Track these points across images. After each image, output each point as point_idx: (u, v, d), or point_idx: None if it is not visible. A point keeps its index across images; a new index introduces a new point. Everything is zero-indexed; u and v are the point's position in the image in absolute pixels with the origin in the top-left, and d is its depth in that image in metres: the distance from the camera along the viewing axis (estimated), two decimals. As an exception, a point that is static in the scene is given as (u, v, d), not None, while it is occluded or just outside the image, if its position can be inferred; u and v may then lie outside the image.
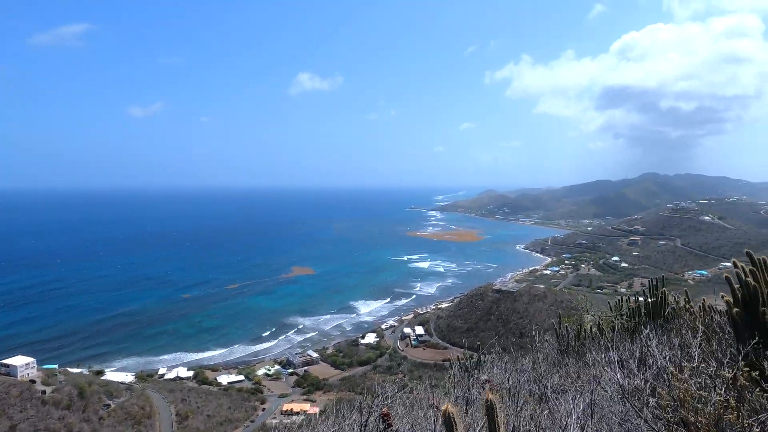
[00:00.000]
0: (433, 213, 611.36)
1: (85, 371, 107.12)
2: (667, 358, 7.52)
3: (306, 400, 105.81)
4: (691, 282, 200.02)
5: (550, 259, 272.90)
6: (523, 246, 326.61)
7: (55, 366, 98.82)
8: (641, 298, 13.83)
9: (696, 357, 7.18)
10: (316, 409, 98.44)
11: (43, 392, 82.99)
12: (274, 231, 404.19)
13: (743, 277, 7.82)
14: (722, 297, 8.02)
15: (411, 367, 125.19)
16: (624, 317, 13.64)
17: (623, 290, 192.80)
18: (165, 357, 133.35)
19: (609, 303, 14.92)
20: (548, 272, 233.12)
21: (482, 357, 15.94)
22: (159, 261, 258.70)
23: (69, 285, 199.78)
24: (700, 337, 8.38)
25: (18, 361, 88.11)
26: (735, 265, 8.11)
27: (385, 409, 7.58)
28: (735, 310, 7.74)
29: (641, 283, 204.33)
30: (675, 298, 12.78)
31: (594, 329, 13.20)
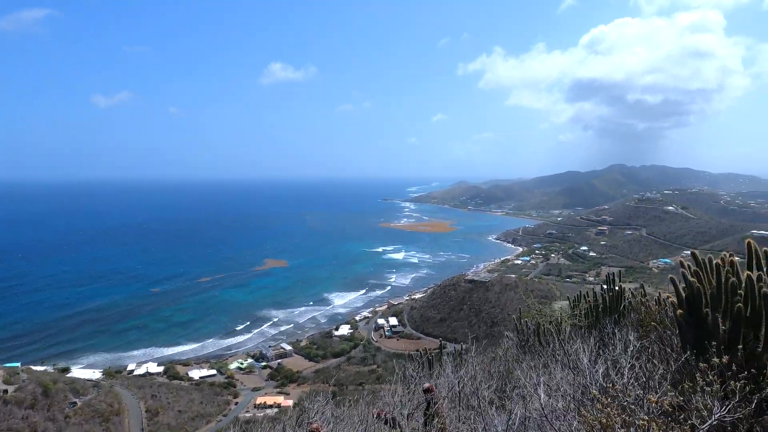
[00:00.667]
0: (407, 204, 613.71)
1: (49, 369, 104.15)
2: (600, 372, 7.52)
3: (280, 393, 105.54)
4: (655, 270, 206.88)
5: (521, 249, 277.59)
6: (495, 236, 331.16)
7: (18, 364, 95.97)
8: (599, 292, 13.82)
9: (628, 371, 7.17)
10: (290, 402, 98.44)
11: (5, 391, 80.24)
12: (246, 223, 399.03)
13: (688, 277, 7.87)
14: (667, 298, 8.16)
15: (385, 357, 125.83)
16: (579, 315, 13.80)
17: (591, 279, 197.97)
18: (134, 353, 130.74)
19: (568, 298, 14.96)
20: (519, 262, 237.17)
21: (439, 355, 15.81)
22: (126, 254, 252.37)
23: (31, 281, 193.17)
24: (646, 339, 8.57)
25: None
26: (681, 265, 8.18)
27: (315, 425, 7.45)
28: (679, 311, 7.79)
29: (608, 272, 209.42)
30: (632, 292, 13.15)
31: (550, 326, 13.08)
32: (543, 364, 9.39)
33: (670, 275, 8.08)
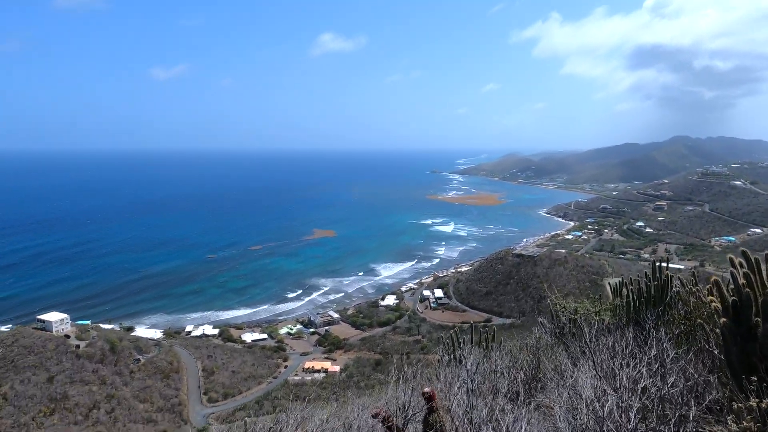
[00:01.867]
0: (455, 176, 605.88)
1: (116, 327, 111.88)
2: (630, 377, 6.61)
3: (327, 359, 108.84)
4: (717, 248, 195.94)
5: (572, 224, 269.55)
6: (545, 210, 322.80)
7: (88, 322, 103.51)
8: (643, 279, 12.39)
9: (658, 382, 6.33)
10: (337, 368, 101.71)
11: (77, 347, 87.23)
12: (296, 194, 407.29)
13: (738, 280, 6.94)
14: (710, 303, 7.15)
15: (429, 328, 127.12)
16: (611, 310, 12.48)
17: (646, 256, 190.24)
18: (192, 315, 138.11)
19: (609, 285, 13.87)
20: (570, 237, 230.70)
21: (469, 339, 15.06)
22: (184, 222, 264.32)
23: (98, 246, 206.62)
24: (689, 340, 7.68)
25: (53, 317, 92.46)
26: (732, 264, 7.26)
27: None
28: (723, 320, 6.87)
29: (666, 249, 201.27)
30: (681, 280, 11.67)
31: (578, 318, 11.97)
32: (572, 361, 8.73)
33: (713, 277, 7.20)
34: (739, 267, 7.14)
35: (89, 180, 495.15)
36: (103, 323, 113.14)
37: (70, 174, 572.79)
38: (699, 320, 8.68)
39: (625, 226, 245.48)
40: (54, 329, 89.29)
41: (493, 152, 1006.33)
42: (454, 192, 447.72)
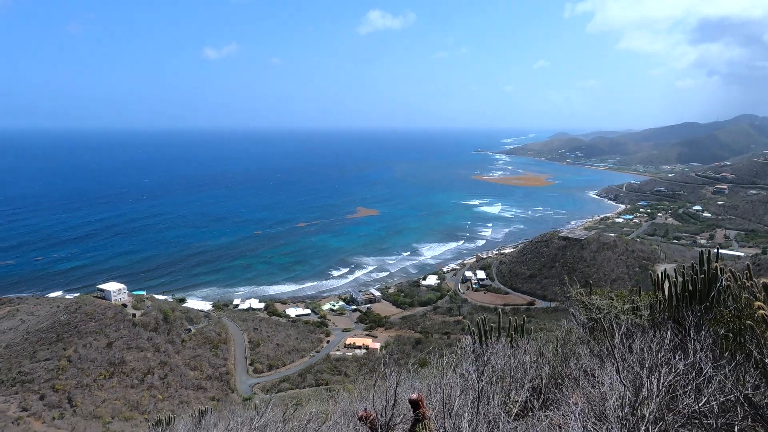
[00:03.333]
0: (501, 156, 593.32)
1: (169, 298, 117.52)
2: (660, 385, 5.79)
3: (368, 336, 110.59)
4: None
5: (623, 207, 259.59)
6: (594, 192, 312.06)
7: (143, 292, 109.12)
8: (688, 271, 10.99)
9: (692, 395, 5.40)
10: (377, 345, 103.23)
11: (134, 315, 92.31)
12: (340, 172, 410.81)
13: None
14: (757, 308, 6.07)
15: (471, 309, 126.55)
16: (656, 301, 10.96)
17: (703, 241, 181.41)
18: (239, 289, 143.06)
19: (651, 274, 12.36)
20: (621, 220, 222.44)
21: (492, 335, 14.11)
22: (230, 199, 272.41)
23: (155, 221, 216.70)
24: (736, 345, 6.56)
25: (112, 286, 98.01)
26: None
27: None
28: None
29: (725, 235, 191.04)
30: (733, 273, 10.06)
31: (619, 311, 10.48)
32: (600, 361, 8.09)
33: (763, 280, 6.23)
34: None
35: (145, 157, 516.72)
36: (157, 294, 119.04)
37: (125, 151, 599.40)
38: (749, 321, 7.38)
39: (680, 210, 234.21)
40: (113, 298, 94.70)
41: (541, 132, 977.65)
42: (500, 172, 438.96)
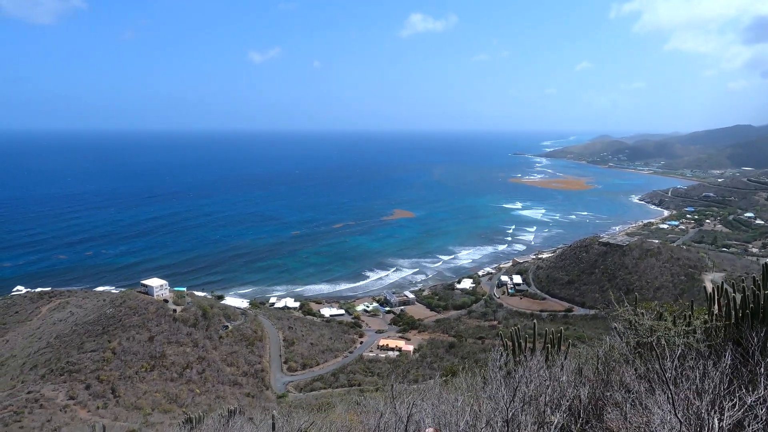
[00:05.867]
0: (540, 159, 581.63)
1: (208, 295, 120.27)
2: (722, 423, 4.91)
3: (401, 338, 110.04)
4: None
5: (668, 213, 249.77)
6: (638, 197, 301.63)
7: (184, 289, 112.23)
8: (749, 286, 9.77)
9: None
10: (411, 347, 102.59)
11: (174, 311, 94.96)
12: (376, 174, 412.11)
13: None
14: None
15: (506, 315, 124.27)
16: (712, 318, 9.89)
17: (755, 250, 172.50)
18: (275, 288, 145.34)
19: (704, 288, 11.01)
20: (665, 226, 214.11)
21: (527, 351, 12.98)
22: (270, 200, 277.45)
23: (192, 217, 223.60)
24: None
25: (154, 282, 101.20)
26: None
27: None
28: None
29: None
30: None
31: (674, 335, 9.33)
32: (648, 387, 7.27)
33: None
34: None
35: (191, 158, 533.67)
36: (196, 290, 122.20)
37: (171, 153, 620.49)
38: None
39: (730, 217, 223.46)
40: (155, 294, 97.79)
41: (582, 134, 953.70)
42: (539, 175, 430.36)
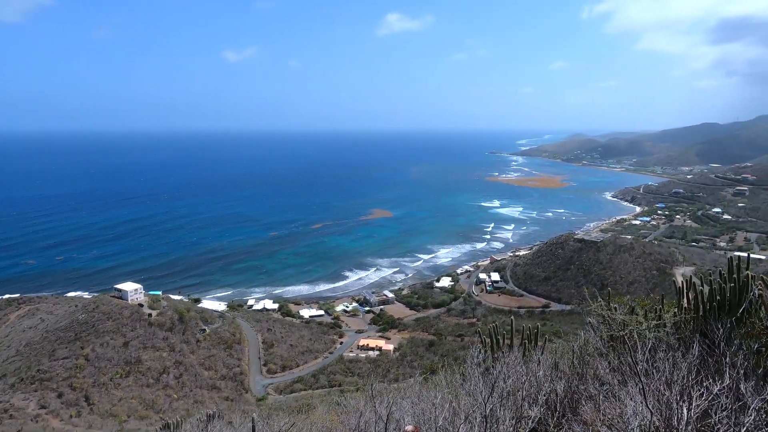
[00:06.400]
0: (516, 158, 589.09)
1: (184, 298, 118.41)
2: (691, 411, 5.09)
3: (381, 337, 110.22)
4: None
5: (640, 209, 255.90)
6: (611, 194, 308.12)
7: (159, 292, 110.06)
8: (716, 279, 10.08)
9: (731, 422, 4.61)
10: (391, 346, 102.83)
11: (150, 315, 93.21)
12: (355, 174, 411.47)
13: None
14: None
15: (485, 312, 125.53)
16: (681, 311, 10.11)
17: (723, 244, 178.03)
18: (253, 290, 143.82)
19: (674, 282, 11.33)
20: (638, 222, 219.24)
21: (504, 346, 13.21)
22: (247, 201, 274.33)
23: (169, 219, 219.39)
24: None
25: (128, 286, 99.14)
26: None
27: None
28: None
29: (745, 237, 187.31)
30: (765, 282, 9.36)
31: (645, 328, 9.68)
32: (620, 380, 7.50)
33: None
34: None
35: (165, 159, 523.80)
36: (172, 294, 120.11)
37: (144, 154, 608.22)
38: None
39: (699, 212, 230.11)
40: (129, 298, 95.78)
41: (557, 133, 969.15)
42: (515, 174, 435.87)
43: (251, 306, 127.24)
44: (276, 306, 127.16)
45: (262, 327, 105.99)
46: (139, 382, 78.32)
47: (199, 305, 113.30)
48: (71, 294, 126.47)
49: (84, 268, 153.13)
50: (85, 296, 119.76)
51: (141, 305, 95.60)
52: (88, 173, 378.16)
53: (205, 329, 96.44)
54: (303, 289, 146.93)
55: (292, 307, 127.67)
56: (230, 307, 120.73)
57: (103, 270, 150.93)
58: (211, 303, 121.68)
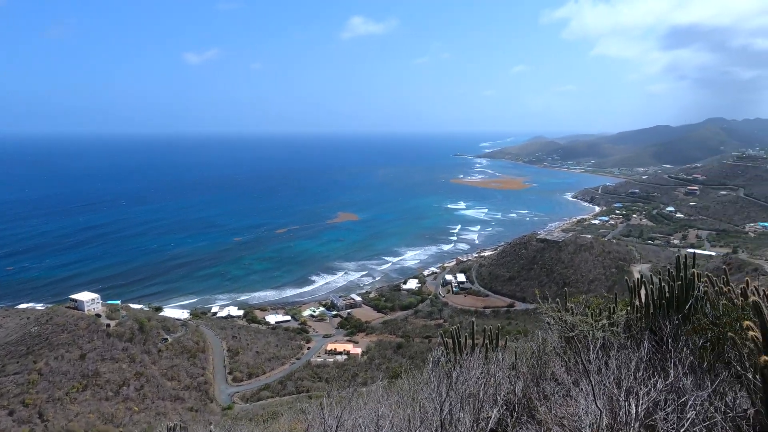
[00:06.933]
0: (479, 160, 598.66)
1: (144, 307, 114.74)
2: (639, 408, 5.24)
3: (349, 341, 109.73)
4: (752, 235, 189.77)
5: (599, 209, 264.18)
6: (571, 195, 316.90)
7: (118, 302, 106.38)
8: (665, 278, 10.50)
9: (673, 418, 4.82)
10: (359, 350, 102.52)
11: (108, 325, 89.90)
12: (320, 177, 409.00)
13: None
14: (746, 328, 5.50)
15: (451, 313, 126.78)
16: (633, 309, 10.50)
17: (676, 242, 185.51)
18: (218, 296, 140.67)
19: (626, 281, 11.66)
20: (597, 222, 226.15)
21: (467, 348, 13.43)
22: (210, 206, 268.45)
23: (129, 226, 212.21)
24: (716, 355, 6.26)
25: (84, 296, 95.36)
26: None
27: None
28: (764, 358, 5.20)
29: (696, 235, 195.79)
30: (710, 278, 9.86)
31: (594, 328, 10.02)
32: (575, 378, 7.75)
33: (753, 298, 5.61)
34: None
35: (125, 163, 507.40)
36: (132, 303, 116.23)
37: (104, 158, 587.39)
38: (729, 332, 7.03)
39: (654, 211, 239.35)
40: (86, 308, 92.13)
41: (519, 135, 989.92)
42: (479, 176, 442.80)
43: (215, 313, 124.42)
44: (241, 312, 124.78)
45: (227, 334, 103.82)
46: (98, 396, 75.38)
47: (161, 314, 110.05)
48: (23, 306, 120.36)
49: (37, 279, 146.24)
50: (38, 308, 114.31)
51: (98, 316, 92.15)
52: (43, 179, 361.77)
53: (167, 338, 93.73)
54: (269, 295, 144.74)
55: (258, 314, 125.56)
56: (193, 315, 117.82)
57: (59, 280, 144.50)
58: (174, 311, 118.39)
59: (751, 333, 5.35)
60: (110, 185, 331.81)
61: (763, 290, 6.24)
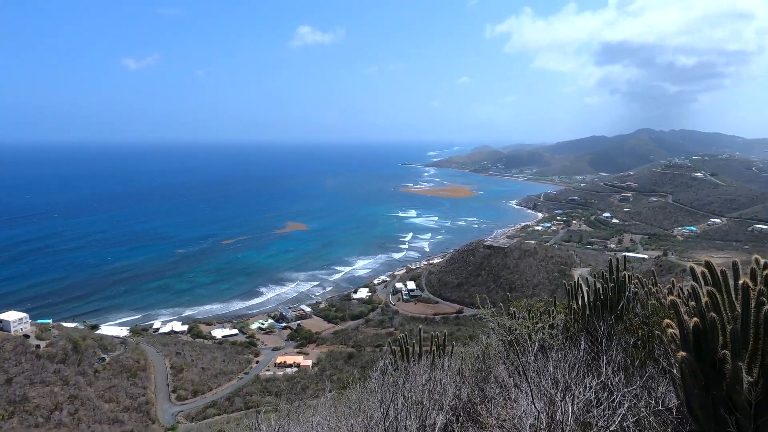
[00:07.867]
0: (427, 169, 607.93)
1: (79, 326, 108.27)
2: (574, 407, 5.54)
3: (299, 353, 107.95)
4: (680, 238, 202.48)
5: (542, 215, 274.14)
6: (515, 202, 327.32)
7: (49, 321, 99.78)
8: (599, 280, 11.09)
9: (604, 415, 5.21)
10: (309, 362, 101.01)
11: (38, 347, 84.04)
12: (269, 187, 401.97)
13: (701, 299, 5.48)
14: (666, 326, 5.93)
15: (402, 320, 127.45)
16: (571, 311, 11.03)
17: (613, 246, 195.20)
18: (160, 312, 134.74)
19: (565, 284, 12.31)
20: (540, 228, 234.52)
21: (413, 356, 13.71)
22: (152, 216, 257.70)
23: (64, 240, 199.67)
24: (646, 352, 6.84)
25: (11, 316, 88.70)
26: (692, 274, 5.93)
27: None
28: (681, 354, 5.35)
29: (631, 239, 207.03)
30: (640, 280, 10.77)
31: (531, 331, 10.47)
32: (516, 381, 8.07)
33: (671, 297, 6.06)
34: (701, 279, 5.89)
35: (53, 173, 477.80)
36: (65, 322, 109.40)
37: (37, 167, 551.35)
38: (656, 330, 7.74)
39: (592, 217, 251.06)
40: (12, 329, 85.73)
41: (465, 144, 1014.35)
42: (427, 184, 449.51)
43: (158, 329, 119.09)
44: (185, 327, 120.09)
45: (170, 351, 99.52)
46: (26, 423, 70.07)
47: (98, 332, 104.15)
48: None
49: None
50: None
51: (27, 336, 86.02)
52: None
53: (104, 358, 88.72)
54: (216, 309, 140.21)
55: (203, 328, 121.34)
56: (133, 332, 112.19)
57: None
58: (112, 329, 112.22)
59: (670, 330, 5.71)
60: (41, 197, 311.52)
61: (687, 290, 6.66)
